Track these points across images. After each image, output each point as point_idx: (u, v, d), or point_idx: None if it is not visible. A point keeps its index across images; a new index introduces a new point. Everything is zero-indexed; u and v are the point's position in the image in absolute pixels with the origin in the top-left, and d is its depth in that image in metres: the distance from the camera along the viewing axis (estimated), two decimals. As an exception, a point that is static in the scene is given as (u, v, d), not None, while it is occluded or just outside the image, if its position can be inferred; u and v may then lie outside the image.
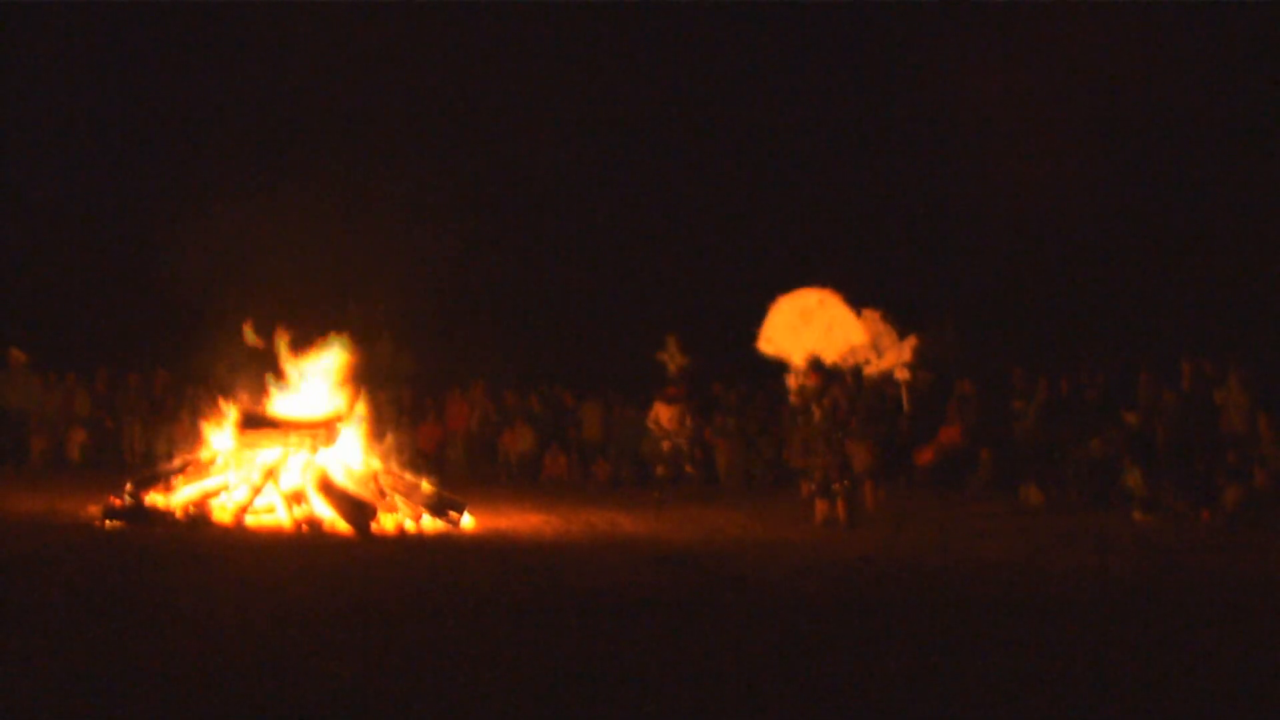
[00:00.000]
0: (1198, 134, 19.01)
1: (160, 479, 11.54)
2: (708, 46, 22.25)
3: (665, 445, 15.82)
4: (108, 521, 10.76)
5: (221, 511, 11.21)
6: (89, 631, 6.05)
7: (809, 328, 12.31)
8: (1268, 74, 18.16)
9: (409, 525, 11.07)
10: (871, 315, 12.53)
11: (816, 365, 11.98)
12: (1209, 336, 15.32)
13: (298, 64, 20.62)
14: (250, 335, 12.56)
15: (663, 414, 15.98)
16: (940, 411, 15.49)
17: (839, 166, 21.73)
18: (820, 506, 11.74)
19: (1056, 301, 19.78)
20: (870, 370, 12.41)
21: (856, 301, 12.56)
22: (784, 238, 21.56)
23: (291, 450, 11.63)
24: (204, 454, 11.94)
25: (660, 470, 15.86)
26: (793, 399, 12.40)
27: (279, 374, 12.39)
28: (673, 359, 15.16)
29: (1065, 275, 19.72)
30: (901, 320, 13.04)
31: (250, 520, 11.08)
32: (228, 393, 12.37)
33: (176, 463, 11.95)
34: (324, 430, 11.84)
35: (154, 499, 11.18)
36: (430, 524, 11.13)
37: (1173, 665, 5.83)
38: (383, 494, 11.45)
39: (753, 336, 12.84)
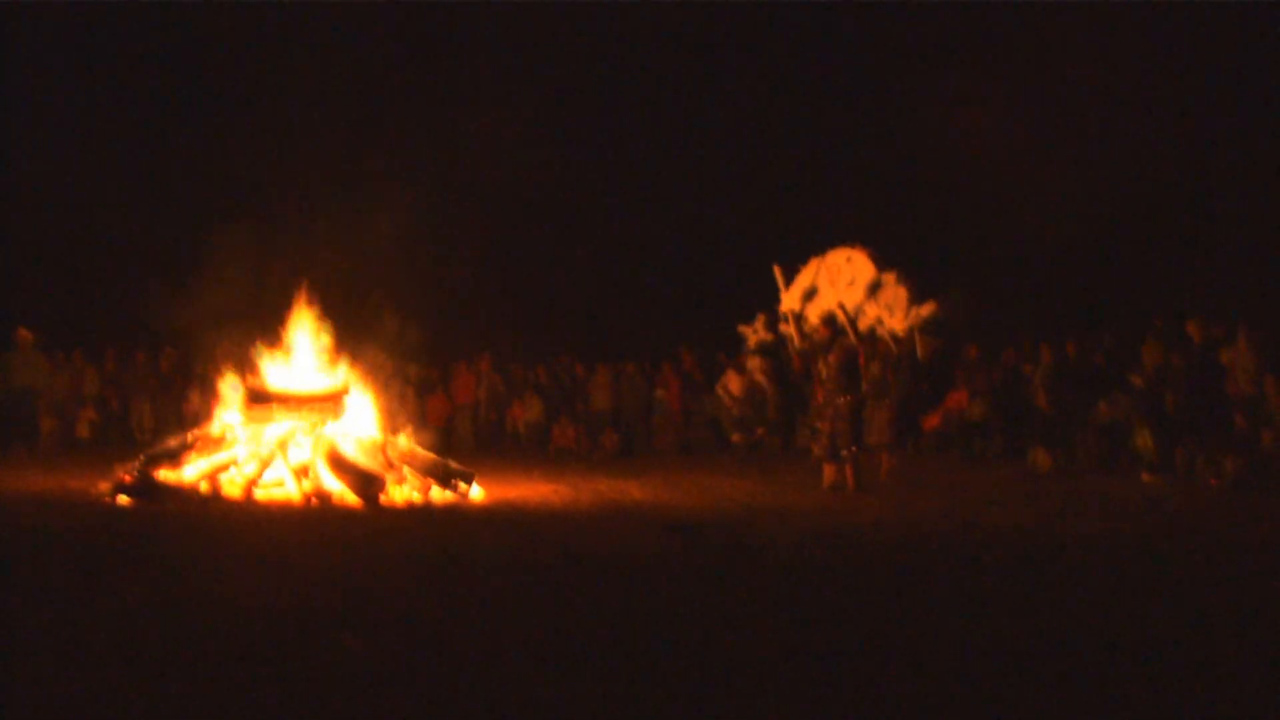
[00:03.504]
0: (1204, 99, 18.89)
1: (170, 455, 11.56)
2: (733, 37, 22.33)
3: (735, 411, 16.08)
4: (118, 498, 10.80)
5: (231, 486, 11.24)
6: (100, 607, 6.08)
7: (832, 287, 12.56)
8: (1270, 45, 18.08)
9: (417, 497, 11.11)
10: (889, 278, 12.75)
11: (829, 320, 12.00)
12: (1217, 298, 15.26)
13: (309, 52, 20.62)
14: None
15: (733, 382, 16.24)
16: (948, 377, 15.49)
17: (848, 138, 21.69)
18: (828, 471, 11.73)
19: (1064, 266, 19.73)
20: (881, 331, 12.48)
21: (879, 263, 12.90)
22: (787, 211, 21.55)
23: (300, 424, 11.66)
24: (213, 429, 11.97)
25: (735, 437, 16.06)
26: (795, 361, 12.68)
27: (286, 348, 12.41)
28: (756, 333, 15.35)
29: (1073, 239, 19.64)
30: (912, 285, 13.16)
31: (259, 494, 11.13)
32: (235, 368, 12.39)
33: (186, 438, 11.96)
34: (331, 403, 11.87)
35: (164, 475, 11.21)
36: (439, 495, 11.16)
37: (1178, 628, 5.83)
38: (391, 466, 11.48)
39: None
